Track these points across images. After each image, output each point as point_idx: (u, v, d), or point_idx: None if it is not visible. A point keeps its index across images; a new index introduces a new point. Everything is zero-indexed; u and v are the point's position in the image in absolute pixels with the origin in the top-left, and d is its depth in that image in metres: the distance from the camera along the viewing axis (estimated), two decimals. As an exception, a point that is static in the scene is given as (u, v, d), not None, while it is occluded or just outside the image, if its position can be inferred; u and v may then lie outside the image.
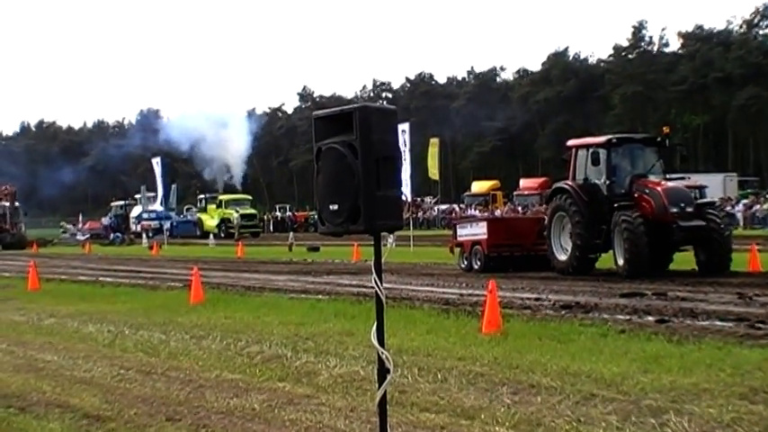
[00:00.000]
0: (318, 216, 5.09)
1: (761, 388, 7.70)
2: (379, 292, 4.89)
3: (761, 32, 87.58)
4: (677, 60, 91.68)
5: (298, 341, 11.30)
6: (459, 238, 23.64)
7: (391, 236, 27.32)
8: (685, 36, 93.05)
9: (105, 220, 72.62)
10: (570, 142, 21.87)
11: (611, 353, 9.49)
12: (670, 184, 19.78)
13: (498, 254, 22.28)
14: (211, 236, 56.25)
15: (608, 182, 19.84)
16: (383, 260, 5.10)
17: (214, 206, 64.05)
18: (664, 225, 18.62)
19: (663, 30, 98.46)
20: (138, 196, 68.20)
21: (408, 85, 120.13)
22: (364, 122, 4.79)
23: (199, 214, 66.41)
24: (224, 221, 61.28)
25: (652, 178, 19.81)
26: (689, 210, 18.83)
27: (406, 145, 31.91)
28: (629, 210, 18.84)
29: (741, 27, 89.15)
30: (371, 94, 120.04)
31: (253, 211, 64.79)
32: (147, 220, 63.15)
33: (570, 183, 20.54)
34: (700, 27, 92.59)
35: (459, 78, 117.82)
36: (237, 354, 10.76)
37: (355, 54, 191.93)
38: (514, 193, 70.09)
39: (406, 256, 27.83)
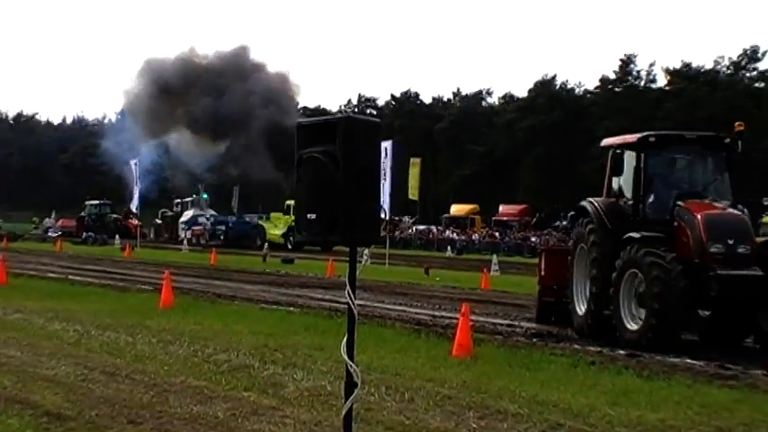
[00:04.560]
0: (296, 224, 5.04)
1: (727, 428, 7.72)
2: (351, 305, 4.83)
3: (747, 75, 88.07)
4: (664, 97, 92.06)
5: (266, 352, 11.22)
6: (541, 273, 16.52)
7: (366, 252, 27.36)
8: (672, 73, 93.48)
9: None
10: (605, 141, 15.35)
11: (580, 384, 9.48)
12: (718, 208, 13.06)
13: (556, 299, 15.63)
14: (185, 241, 52.61)
15: (639, 202, 13.65)
16: (357, 274, 5.04)
17: (280, 213, 55.63)
18: (701, 271, 12.49)
19: (651, 65, 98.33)
20: (189, 199, 63.52)
21: (393, 102, 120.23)
22: (348, 133, 4.76)
23: (263, 222, 57.81)
24: (292, 229, 51.18)
25: (703, 200, 13.41)
26: (741, 250, 12.49)
27: (387, 162, 31.87)
28: (656, 244, 12.69)
29: (728, 68, 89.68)
30: (356, 110, 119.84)
31: None
32: (199, 225, 57.38)
33: (597, 201, 14.36)
34: (687, 65, 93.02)
35: (445, 99, 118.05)
36: (204, 361, 10.65)
37: (342, 68, 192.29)
38: (493, 218, 70.44)
39: (380, 274, 27.74)
